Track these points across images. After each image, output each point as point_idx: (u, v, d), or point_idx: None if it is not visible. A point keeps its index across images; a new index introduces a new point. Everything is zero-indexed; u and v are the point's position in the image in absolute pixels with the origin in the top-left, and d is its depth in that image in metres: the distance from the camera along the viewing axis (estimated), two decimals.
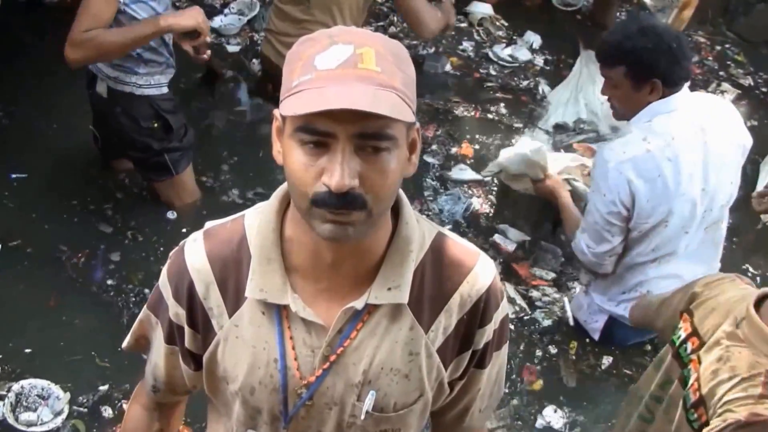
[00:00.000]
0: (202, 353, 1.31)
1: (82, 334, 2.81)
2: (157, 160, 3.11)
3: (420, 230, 1.25)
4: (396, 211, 1.23)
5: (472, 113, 4.15)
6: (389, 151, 1.08)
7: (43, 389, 2.59)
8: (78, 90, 3.18)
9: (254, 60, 4.10)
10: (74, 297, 2.93)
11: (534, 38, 4.77)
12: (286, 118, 1.10)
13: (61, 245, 3.09)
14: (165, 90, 3.02)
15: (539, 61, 4.65)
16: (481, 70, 4.49)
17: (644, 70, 2.54)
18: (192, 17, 2.76)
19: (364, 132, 1.05)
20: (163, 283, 1.31)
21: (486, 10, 4.90)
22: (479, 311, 1.27)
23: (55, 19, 3.92)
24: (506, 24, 4.93)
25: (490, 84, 4.40)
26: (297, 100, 1.06)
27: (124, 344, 1.47)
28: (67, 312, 2.88)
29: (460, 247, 1.29)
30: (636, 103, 2.61)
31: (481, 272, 1.27)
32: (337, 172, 1.05)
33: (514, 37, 4.80)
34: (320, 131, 1.05)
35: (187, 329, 1.30)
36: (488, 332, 1.30)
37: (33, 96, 3.66)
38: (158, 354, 1.38)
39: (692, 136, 2.58)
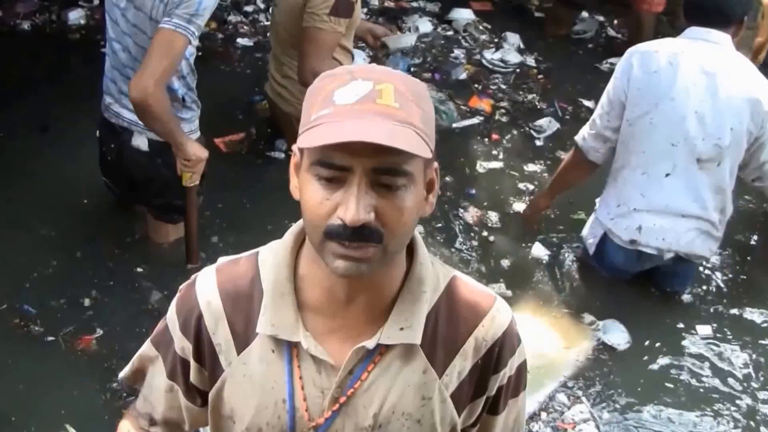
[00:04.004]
0: (208, 389, 1.28)
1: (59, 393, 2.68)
2: (177, 204, 3.01)
3: (434, 273, 1.24)
4: (410, 251, 1.22)
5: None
6: (406, 187, 1.07)
7: None
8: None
9: None
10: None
11: (515, 39, 4.82)
12: (304, 152, 1.10)
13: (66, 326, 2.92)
14: (199, 132, 2.95)
15: (531, 61, 4.65)
16: (488, 82, 4.48)
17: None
18: (203, 152, 2.74)
19: (381, 167, 1.05)
20: (171, 316, 1.29)
21: (468, 15, 4.96)
22: (494, 356, 1.25)
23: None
24: (489, 27, 4.96)
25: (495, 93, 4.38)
26: (314, 133, 1.05)
27: (122, 374, 1.43)
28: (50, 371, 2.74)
29: (476, 290, 1.27)
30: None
31: (497, 315, 1.25)
32: (353, 206, 1.04)
33: (496, 40, 4.83)
34: (336, 165, 1.05)
35: (192, 363, 1.27)
36: (503, 377, 1.28)
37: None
38: (158, 389, 1.35)
39: (700, 60, 2.85)
